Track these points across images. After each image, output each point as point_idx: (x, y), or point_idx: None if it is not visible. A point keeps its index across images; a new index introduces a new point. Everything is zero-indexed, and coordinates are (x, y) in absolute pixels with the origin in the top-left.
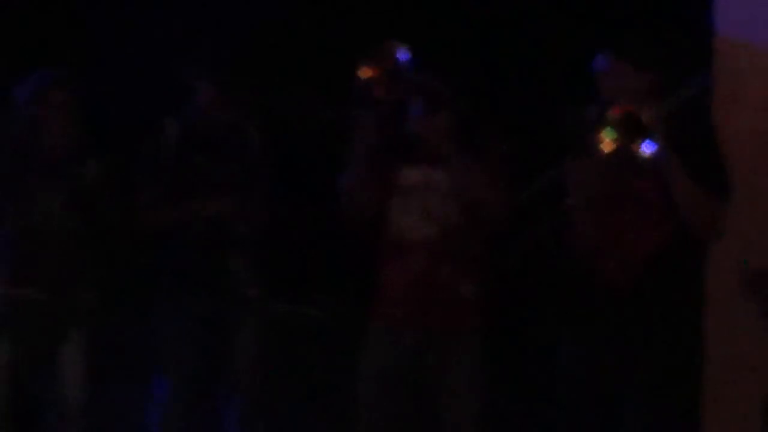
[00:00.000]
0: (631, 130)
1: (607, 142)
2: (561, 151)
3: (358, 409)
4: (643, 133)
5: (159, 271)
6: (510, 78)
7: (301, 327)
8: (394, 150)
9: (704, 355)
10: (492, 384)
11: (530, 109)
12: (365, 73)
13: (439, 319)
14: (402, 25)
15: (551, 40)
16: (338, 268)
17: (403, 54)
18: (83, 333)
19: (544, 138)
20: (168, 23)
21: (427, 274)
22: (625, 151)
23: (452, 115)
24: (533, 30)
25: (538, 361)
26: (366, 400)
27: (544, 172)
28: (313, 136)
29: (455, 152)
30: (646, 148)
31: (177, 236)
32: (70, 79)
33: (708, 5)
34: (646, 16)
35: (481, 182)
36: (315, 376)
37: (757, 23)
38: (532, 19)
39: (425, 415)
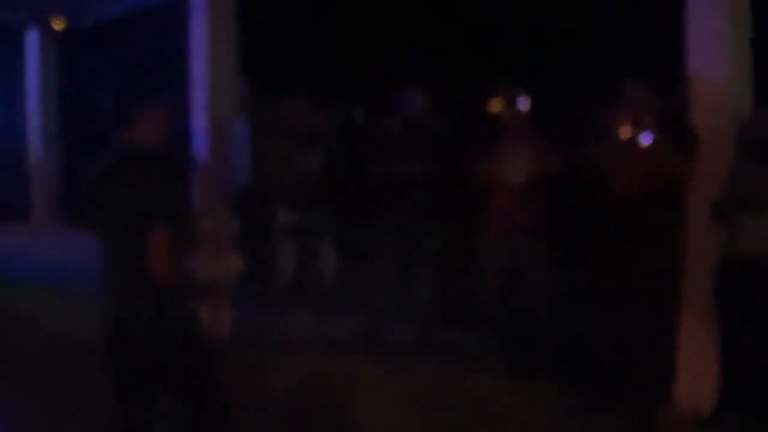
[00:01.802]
0: (638, 127)
1: (625, 131)
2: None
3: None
4: (644, 128)
5: None
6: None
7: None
8: (505, 140)
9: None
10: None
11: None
12: (495, 106)
13: (521, 225)
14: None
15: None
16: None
17: (521, 102)
18: (330, 238)
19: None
20: None
21: (518, 201)
22: (634, 137)
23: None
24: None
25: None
26: (486, 272)
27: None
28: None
29: (529, 141)
30: (645, 138)
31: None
32: None
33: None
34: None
35: (541, 155)
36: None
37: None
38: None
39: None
